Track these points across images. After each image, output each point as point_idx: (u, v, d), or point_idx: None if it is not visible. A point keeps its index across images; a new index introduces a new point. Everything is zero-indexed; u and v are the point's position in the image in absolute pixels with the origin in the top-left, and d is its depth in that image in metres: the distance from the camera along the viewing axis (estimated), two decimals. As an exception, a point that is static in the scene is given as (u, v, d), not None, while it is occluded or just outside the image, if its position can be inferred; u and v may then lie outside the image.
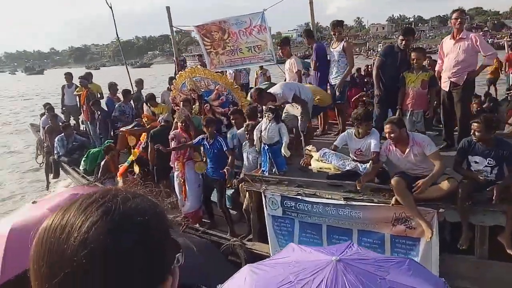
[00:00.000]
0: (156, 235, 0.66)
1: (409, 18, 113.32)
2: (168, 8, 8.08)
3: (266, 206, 4.86)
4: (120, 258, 0.60)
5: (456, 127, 5.20)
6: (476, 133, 3.75)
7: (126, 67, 10.60)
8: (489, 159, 3.78)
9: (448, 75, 4.96)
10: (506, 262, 3.73)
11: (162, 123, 6.60)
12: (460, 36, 4.83)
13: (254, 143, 5.01)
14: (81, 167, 8.12)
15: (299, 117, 5.27)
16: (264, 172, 5.06)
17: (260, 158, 5.12)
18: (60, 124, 9.32)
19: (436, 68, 5.35)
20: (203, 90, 7.11)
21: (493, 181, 3.76)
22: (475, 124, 3.76)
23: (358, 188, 4.12)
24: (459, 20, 4.78)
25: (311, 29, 7.12)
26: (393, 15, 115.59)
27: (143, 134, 6.79)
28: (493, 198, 3.55)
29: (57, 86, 10.26)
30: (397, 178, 3.90)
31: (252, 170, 5.22)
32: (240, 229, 5.62)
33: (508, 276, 3.73)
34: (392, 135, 3.96)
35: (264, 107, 5.22)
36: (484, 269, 3.84)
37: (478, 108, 6.75)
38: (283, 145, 4.76)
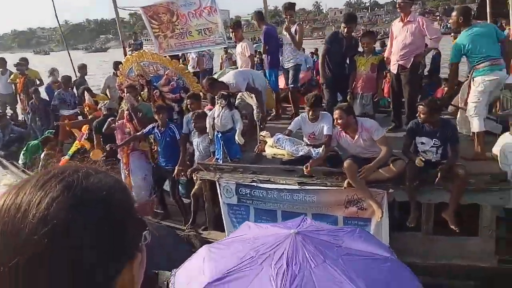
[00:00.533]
0: (120, 211, 0.62)
1: (366, 3, 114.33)
2: (111, -12, 7.54)
3: (220, 194, 4.76)
4: (83, 235, 0.56)
5: (404, 109, 5.36)
6: (422, 115, 3.87)
7: (68, 52, 9.87)
8: (434, 139, 3.92)
9: (396, 58, 5.06)
10: (449, 236, 3.94)
11: (104, 112, 6.22)
12: (407, 19, 4.92)
13: (207, 131, 4.84)
14: (20, 161, 7.52)
15: (254, 107, 5.13)
16: (218, 160, 4.94)
17: (212, 146, 4.98)
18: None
19: (386, 53, 5.44)
20: (152, 75, 6.77)
21: (438, 161, 3.92)
22: (420, 107, 3.88)
23: (306, 173, 4.13)
24: (402, 3, 4.86)
25: (263, 12, 6.97)
26: (350, 0, 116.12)
27: (85, 125, 6.38)
28: (436, 180, 3.70)
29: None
30: (349, 162, 3.95)
31: (205, 159, 5.07)
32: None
33: (452, 250, 3.95)
34: (340, 121, 4.00)
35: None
36: (430, 244, 4.03)
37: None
38: (237, 132, 4.65)
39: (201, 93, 6.25)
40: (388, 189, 3.96)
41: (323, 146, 4.08)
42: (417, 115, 3.95)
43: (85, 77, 9.15)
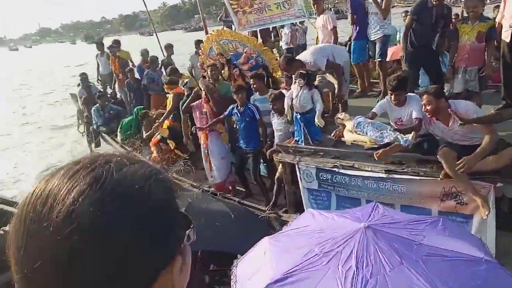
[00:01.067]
0: (157, 207, 0.55)
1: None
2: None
3: (300, 178, 4.60)
4: (115, 237, 0.49)
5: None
6: None
7: (156, 33, 10.30)
8: None
9: (510, 23, 4.21)
10: None
11: (187, 92, 6.38)
12: (527, -27, 4.02)
13: (285, 112, 4.66)
14: (118, 138, 8.21)
15: (335, 85, 4.77)
16: (299, 143, 4.75)
17: (292, 127, 4.79)
18: (96, 94, 9.39)
19: (497, 17, 4.56)
20: (231, 53, 6.72)
21: None
22: None
23: (376, 158, 3.71)
24: None
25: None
26: None
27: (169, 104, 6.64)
28: None
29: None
30: (445, 149, 3.46)
31: (285, 140, 4.92)
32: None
33: None
34: (428, 107, 3.48)
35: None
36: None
37: None
38: (317, 113, 4.38)
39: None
40: (496, 183, 3.39)
41: (412, 132, 3.62)
42: None
43: (174, 56, 9.51)
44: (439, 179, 3.57)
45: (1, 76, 36.08)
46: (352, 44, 5.93)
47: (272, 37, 9.64)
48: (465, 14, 4.53)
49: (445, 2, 4.68)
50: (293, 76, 4.57)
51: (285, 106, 4.61)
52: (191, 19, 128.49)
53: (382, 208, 2.64)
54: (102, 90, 10.22)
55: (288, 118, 4.69)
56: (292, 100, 4.54)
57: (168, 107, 6.71)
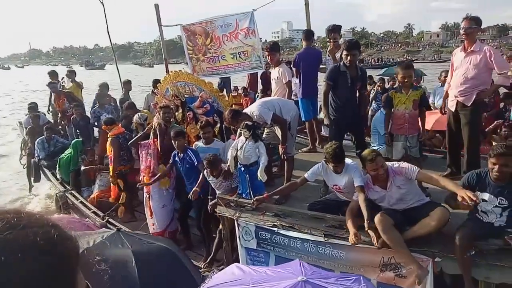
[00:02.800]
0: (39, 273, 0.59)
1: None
2: (156, 6, 7.50)
3: (239, 236, 4.27)
4: (11, 274, 0.56)
5: (463, 152, 4.53)
6: (500, 170, 3.00)
7: (117, 66, 10.06)
8: (500, 198, 3.12)
9: (455, 94, 4.29)
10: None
11: (139, 125, 6.14)
12: (471, 49, 4.16)
13: (228, 163, 4.41)
14: (58, 176, 7.62)
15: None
16: (243, 196, 4.46)
17: (234, 183, 4.56)
18: (44, 125, 8.82)
19: (445, 86, 4.66)
20: (187, 96, 6.54)
21: (503, 227, 3.12)
22: (502, 157, 2.98)
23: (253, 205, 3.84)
24: (467, 29, 4.10)
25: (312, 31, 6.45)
26: (446, 23, 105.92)
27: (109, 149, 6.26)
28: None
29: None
30: (381, 216, 3.28)
31: (228, 193, 4.62)
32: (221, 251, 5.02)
33: None
34: (382, 170, 3.36)
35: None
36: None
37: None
38: (260, 167, 4.15)
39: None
40: (434, 257, 3.21)
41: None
42: (490, 169, 3.11)
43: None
44: (377, 247, 3.35)
45: None
46: (300, 101, 5.77)
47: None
48: (394, 85, 4.56)
49: (357, 64, 4.56)
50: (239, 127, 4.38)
51: (228, 157, 4.37)
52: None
53: (307, 265, 2.66)
54: (51, 121, 9.67)
55: (232, 170, 4.43)
56: (237, 150, 4.31)
57: (109, 152, 6.26)
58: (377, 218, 3.27)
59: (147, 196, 5.60)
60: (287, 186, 4.21)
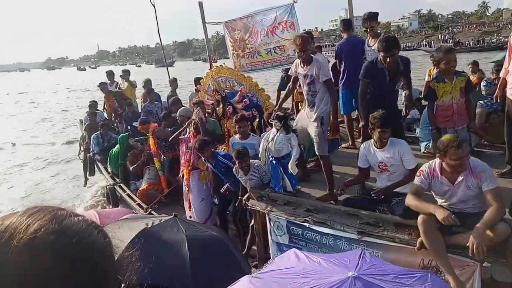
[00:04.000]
0: (97, 254, 0.64)
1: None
2: (200, 4, 7.62)
3: (270, 231, 4.14)
4: (72, 262, 0.59)
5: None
6: None
7: (164, 64, 10.39)
8: None
9: (515, 79, 3.79)
10: None
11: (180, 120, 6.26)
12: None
13: (259, 155, 4.28)
14: (109, 170, 8.04)
15: (313, 136, 4.22)
16: (276, 190, 4.32)
17: (265, 178, 4.42)
18: (100, 121, 9.37)
19: (501, 72, 4.12)
20: (227, 91, 6.54)
21: None
22: None
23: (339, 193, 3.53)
24: None
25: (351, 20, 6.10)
26: None
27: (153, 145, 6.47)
28: None
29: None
30: (425, 216, 2.94)
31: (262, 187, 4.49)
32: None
33: None
34: (465, 161, 2.93)
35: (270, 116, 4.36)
36: None
37: None
38: (291, 159, 3.99)
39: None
40: (483, 261, 2.82)
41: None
42: None
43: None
44: (415, 248, 3.03)
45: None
46: (340, 93, 5.45)
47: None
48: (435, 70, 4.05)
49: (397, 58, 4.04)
50: (270, 118, 4.23)
51: (260, 149, 4.24)
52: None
53: (369, 257, 2.43)
54: (107, 118, 10.25)
55: (262, 161, 4.30)
56: (268, 143, 4.18)
57: (153, 146, 6.52)
58: (421, 218, 2.95)
59: (186, 189, 5.67)
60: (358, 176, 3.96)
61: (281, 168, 4.23)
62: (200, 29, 7.34)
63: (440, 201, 3.18)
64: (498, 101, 4.22)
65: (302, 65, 4.18)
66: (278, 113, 4.07)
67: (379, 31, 5.27)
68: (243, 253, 4.81)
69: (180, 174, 5.79)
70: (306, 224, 3.77)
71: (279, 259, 2.77)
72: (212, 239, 3.70)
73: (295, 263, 2.51)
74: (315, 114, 4.08)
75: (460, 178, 2.98)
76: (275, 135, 4.11)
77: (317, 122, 4.09)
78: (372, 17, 5.09)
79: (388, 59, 3.90)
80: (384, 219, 3.41)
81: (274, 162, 4.19)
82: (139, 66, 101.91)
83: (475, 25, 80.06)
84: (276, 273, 2.45)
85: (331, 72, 4.39)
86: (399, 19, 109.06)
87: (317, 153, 4.25)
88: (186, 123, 6.07)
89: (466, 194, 3.01)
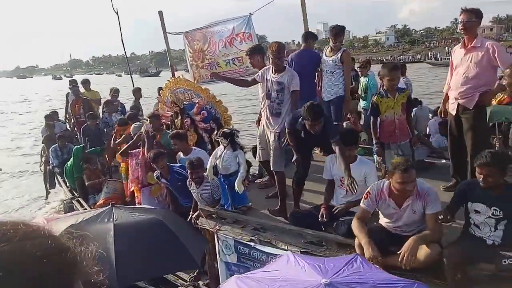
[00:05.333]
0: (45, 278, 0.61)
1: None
2: (160, 13, 7.46)
3: (219, 250, 4.05)
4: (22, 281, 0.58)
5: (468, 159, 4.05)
6: (485, 180, 2.70)
7: (130, 74, 10.17)
8: (494, 208, 2.75)
9: (455, 95, 3.85)
10: None
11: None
12: (472, 45, 3.72)
13: (206, 173, 4.19)
14: (68, 183, 7.76)
15: (270, 146, 4.13)
16: (225, 207, 4.25)
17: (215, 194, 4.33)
18: (58, 133, 9.03)
19: (444, 88, 4.19)
20: (186, 102, 6.43)
21: (498, 244, 2.72)
22: (485, 167, 2.69)
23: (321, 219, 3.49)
24: (466, 23, 3.66)
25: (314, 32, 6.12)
26: (498, 15, 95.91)
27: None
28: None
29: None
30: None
31: (211, 204, 4.40)
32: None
33: None
34: (410, 187, 2.88)
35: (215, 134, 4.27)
36: None
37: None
38: (238, 177, 3.92)
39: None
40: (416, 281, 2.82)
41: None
42: (479, 177, 2.76)
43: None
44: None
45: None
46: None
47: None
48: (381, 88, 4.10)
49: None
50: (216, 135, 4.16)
51: (207, 166, 4.16)
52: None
53: (359, 262, 2.36)
54: (69, 129, 9.90)
55: (209, 179, 4.21)
56: (216, 159, 4.11)
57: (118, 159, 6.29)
58: (357, 241, 2.95)
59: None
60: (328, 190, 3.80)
61: (226, 186, 4.15)
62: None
63: (385, 221, 3.18)
64: (442, 116, 4.29)
65: (273, 72, 4.14)
66: (224, 130, 4.00)
67: (342, 46, 5.30)
68: (197, 271, 4.67)
69: (129, 191, 5.61)
70: (252, 244, 3.71)
71: (275, 261, 2.77)
72: (145, 223, 3.48)
73: (282, 266, 2.48)
74: (278, 125, 4.07)
75: (407, 203, 2.98)
76: (222, 152, 4.04)
77: (276, 136, 4.07)
78: (335, 30, 5.14)
79: (315, 127, 3.56)
80: (327, 238, 3.39)
81: (222, 179, 4.12)
82: (119, 75, 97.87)
83: (450, 40, 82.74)
84: (260, 276, 2.43)
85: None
86: (376, 33, 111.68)
87: (271, 169, 4.21)
88: (135, 136, 5.88)
89: (411, 218, 3.02)
